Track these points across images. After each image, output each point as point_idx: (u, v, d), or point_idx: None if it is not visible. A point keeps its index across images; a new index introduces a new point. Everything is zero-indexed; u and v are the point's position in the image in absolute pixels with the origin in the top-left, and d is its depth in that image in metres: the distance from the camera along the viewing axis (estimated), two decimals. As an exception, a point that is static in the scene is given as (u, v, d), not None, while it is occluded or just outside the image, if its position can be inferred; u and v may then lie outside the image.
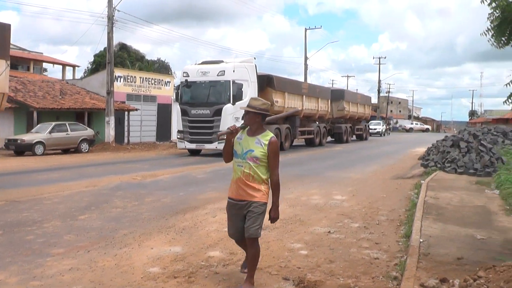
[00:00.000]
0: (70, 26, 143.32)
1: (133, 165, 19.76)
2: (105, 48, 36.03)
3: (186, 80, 25.06)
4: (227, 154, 5.40)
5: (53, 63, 54.27)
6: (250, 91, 25.12)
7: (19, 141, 25.71)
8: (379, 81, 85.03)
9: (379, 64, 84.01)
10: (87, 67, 63.03)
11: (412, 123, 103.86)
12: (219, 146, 22.95)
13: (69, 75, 52.66)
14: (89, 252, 6.92)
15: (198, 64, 25.85)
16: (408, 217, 9.37)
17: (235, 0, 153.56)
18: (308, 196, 12.03)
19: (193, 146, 24.88)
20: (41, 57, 53.33)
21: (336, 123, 40.71)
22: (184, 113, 25.04)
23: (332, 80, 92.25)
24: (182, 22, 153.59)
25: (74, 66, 55.69)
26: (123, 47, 61.59)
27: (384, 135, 64.78)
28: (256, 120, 5.19)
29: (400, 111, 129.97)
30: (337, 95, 40.02)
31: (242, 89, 24.35)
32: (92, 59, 60.98)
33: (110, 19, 30.14)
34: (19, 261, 6.50)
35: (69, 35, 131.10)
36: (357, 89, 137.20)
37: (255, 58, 27.12)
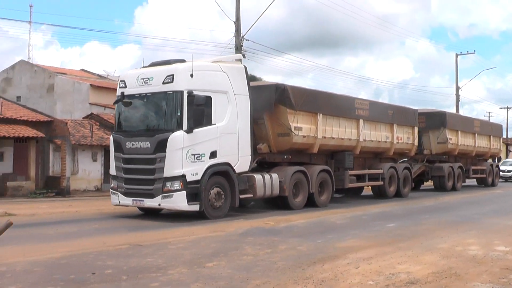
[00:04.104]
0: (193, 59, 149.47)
1: (263, 209, 19.97)
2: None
3: (122, 94, 17.09)
4: None
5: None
6: (233, 109, 17.20)
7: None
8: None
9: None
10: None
11: None
12: (164, 202, 16.03)
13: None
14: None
15: (144, 67, 17.80)
16: None
17: (374, 25, 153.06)
18: (464, 246, 11.61)
19: (129, 201, 16.87)
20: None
21: (435, 162, 31.98)
22: (117, 147, 17.13)
23: (489, 113, 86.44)
24: (314, 50, 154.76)
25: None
26: (252, 79, 63.22)
27: None
28: None
29: None
30: (434, 121, 31.12)
31: (211, 106, 16.54)
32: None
33: (238, 49, 30.78)
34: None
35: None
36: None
37: (244, 57, 18.50)
